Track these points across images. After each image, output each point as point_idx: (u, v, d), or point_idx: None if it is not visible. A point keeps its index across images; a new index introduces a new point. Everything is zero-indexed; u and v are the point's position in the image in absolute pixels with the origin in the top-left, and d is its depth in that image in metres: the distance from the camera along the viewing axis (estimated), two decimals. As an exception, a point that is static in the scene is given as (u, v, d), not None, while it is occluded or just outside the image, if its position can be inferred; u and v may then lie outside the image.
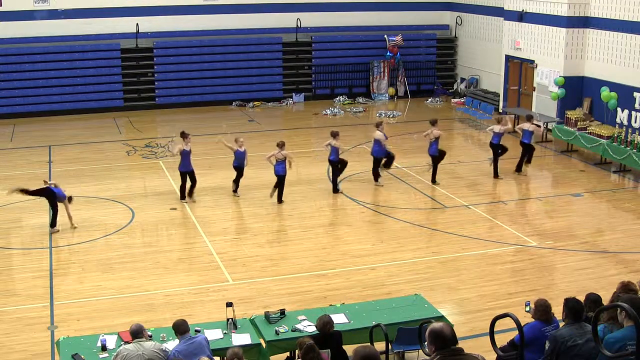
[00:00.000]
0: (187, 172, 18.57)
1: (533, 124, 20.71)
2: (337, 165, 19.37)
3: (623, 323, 7.38)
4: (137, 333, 9.21)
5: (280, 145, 18.57)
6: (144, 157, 23.09)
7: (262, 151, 21.63)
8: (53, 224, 16.75)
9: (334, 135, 19.23)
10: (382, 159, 19.95)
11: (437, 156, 20.06)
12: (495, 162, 20.54)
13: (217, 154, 22.92)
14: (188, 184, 18.66)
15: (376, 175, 20.05)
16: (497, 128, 20.26)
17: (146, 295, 13.62)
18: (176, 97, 30.60)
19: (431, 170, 20.16)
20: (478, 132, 26.38)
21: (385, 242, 16.25)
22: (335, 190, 19.42)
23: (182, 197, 18.76)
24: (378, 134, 19.65)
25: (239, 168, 19.00)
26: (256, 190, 19.22)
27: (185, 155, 18.38)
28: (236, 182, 19.14)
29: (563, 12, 24.90)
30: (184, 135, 18.58)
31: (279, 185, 18.65)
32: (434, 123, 20.12)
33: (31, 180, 20.51)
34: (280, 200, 18.61)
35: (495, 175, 20.51)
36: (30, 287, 13.94)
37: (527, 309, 9.25)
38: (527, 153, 20.86)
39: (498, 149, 20.44)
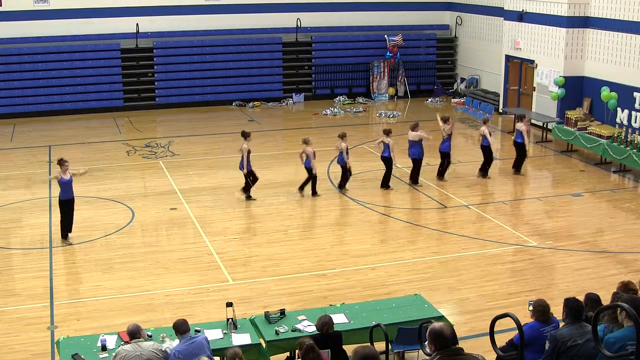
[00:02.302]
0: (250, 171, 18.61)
1: (525, 123, 20.69)
2: (391, 163, 19.49)
3: (623, 323, 7.38)
4: (135, 333, 9.19)
5: (342, 137, 19.02)
6: (144, 157, 23.08)
7: (262, 151, 21.69)
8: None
9: (387, 132, 19.34)
10: (421, 161, 19.89)
11: (448, 153, 20.19)
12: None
13: (217, 154, 22.98)
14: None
15: (415, 178, 20.08)
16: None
17: (146, 295, 13.62)
18: (176, 97, 30.59)
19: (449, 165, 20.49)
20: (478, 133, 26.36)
21: (385, 242, 16.26)
22: (387, 186, 19.65)
23: (248, 195, 18.78)
24: (413, 135, 19.63)
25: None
26: (256, 190, 19.17)
27: (247, 154, 18.38)
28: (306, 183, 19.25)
29: (563, 12, 24.90)
30: (245, 134, 18.57)
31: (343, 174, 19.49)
32: (445, 120, 20.24)
33: (31, 180, 20.56)
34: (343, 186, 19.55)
35: (484, 174, 20.64)
36: (30, 287, 13.93)
37: (531, 308, 9.26)
38: (520, 153, 20.85)
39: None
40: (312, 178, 19.03)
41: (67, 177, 16.02)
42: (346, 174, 19.47)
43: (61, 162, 16.04)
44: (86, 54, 29.41)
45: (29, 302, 13.37)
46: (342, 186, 19.56)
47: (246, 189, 18.73)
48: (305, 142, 18.83)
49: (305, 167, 18.96)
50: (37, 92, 28.93)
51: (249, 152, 18.36)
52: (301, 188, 19.10)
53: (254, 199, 18.75)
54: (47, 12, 28.78)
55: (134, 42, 30.00)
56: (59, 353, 10.17)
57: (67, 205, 16.14)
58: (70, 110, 29.03)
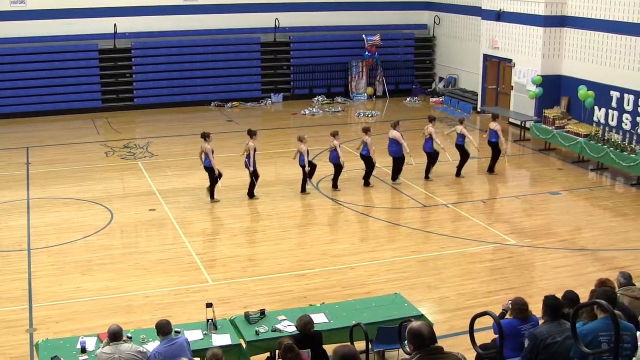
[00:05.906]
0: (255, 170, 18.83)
1: (498, 122, 20.80)
2: (371, 160, 19.59)
3: (597, 315, 7.46)
4: (117, 335, 9.12)
5: (366, 130, 19.45)
6: (123, 158, 22.97)
7: (240, 151, 21.62)
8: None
9: (366, 130, 19.44)
10: (400, 159, 20.01)
11: (432, 153, 20.31)
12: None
13: (196, 154, 22.88)
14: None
15: (395, 175, 20.20)
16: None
17: (126, 296, 13.55)
18: (154, 97, 30.46)
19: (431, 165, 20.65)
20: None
21: (364, 241, 16.29)
22: (368, 183, 19.86)
23: (251, 195, 18.92)
24: (394, 134, 19.69)
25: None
26: (235, 190, 19.15)
27: (253, 153, 18.54)
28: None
29: (540, 11, 25.05)
30: (251, 132, 18.68)
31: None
32: (431, 120, 20.41)
33: (9, 182, 20.41)
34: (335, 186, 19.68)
35: (457, 173, 20.82)
36: (9, 290, 13.82)
37: (509, 306, 9.34)
38: (494, 153, 20.89)
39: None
40: (305, 175, 19.20)
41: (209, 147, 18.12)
42: (339, 171, 19.54)
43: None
44: (64, 55, 29.19)
45: (7, 304, 13.27)
46: (335, 186, 19.63)
47: (251, 191, 18.82)
48: (300, 139, 18.91)
49: (300, 165, 19.08)
50: (15, 93, 28.68)
51: (254, 150, 18.46)
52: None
53: (257, 198, 18.83)
54: (24, 13, 28.51)
55: (112, 42, 29.85)
56: (38, 356, 10.11)
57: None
58: (48, 111, 28.81)
